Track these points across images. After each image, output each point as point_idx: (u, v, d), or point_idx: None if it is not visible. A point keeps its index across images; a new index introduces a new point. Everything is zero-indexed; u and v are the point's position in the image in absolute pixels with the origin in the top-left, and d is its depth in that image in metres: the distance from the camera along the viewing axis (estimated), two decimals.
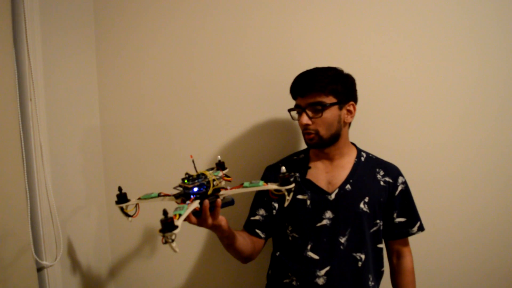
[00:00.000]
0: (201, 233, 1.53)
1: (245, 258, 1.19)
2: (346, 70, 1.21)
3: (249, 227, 1.24)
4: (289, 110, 1.22)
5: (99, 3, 1.47)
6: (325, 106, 1.13)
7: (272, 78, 1.44)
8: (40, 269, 1.20)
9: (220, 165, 1.05)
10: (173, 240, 0.75)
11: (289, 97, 1.22)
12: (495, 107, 1.42)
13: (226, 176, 1.00)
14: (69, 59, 1.36)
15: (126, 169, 1.53)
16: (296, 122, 1.24)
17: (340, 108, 1.16)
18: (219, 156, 1.08)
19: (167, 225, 0.75)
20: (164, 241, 0.75)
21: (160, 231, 0.75)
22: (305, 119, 1.14)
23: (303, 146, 1.36)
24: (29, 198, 1.13)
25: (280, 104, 1.37)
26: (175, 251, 0.75)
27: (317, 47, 1.44)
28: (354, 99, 1.21)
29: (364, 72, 1.35)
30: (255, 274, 1.49)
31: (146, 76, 1.48)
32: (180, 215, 0.80)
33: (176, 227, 0.75)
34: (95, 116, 1.50)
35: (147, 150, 1.51)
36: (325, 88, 1.13)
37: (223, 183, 0.97)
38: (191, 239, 1.53)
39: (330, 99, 1.14)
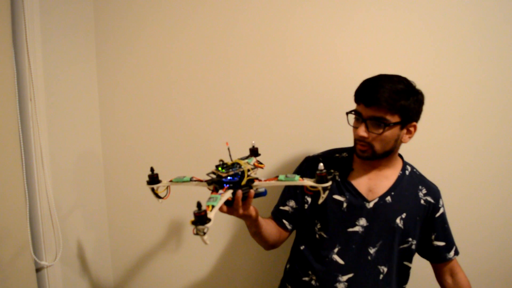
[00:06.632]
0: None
1: (269, 246, 1.19)
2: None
3: (277, 216, 1.22)
4: (348, 113, 1.12)
5: (100, 3, 1.47)
6: (388, 125, 1.04)
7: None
8: (39, 269, 1.21)
9: (254, 152, 1.03)
10: (204, 233, 0.74)
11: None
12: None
13: (259, 162, 0.98)
14: (69, 58, 1.36)
15: (126, 168, 1.53)
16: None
17: (402, 128, 1.08)
18: (253, 141, 1.04)
19: (200, 218, 0.74)
20: (195, 232, 0.74)
21: (193, 223, 0.74)
22: (362, 131, 1.05)
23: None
24: (28, 197, 1.14)
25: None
26: (205, 243, 0.74)
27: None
28: (418, 118, 1.11)
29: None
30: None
31: (145, 75, 1.48)
32: (213, 206, 0.80)
33: (209, 220, 0.75)
34: (95, 116, 1.50)
35: (147, 148, 1.51)
36: (393, 106, 1.03)
37: (256, 173, 0.95)
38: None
39: (395, 118, 1.04)
